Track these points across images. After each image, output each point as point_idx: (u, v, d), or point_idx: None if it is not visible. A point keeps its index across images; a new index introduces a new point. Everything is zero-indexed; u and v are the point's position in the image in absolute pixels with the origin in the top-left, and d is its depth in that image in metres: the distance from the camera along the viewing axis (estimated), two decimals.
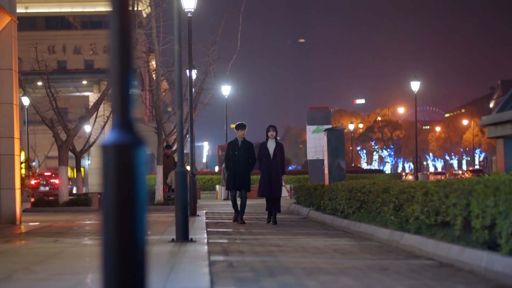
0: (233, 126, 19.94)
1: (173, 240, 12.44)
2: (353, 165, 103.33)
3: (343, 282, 7.44)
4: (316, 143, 26.12)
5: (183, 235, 12.47)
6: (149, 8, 29.39)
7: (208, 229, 16.02)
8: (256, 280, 7.58)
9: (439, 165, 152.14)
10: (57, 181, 41.91)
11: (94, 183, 70.11)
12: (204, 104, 30.20)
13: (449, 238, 9.53)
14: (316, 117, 26.54)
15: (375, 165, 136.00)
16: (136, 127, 3.59)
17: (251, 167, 18.87)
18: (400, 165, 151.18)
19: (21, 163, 21.24)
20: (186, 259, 9.52)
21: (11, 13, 18.40)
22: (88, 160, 77.28)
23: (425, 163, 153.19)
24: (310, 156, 26.92)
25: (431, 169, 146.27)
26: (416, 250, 10.54)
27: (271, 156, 18.59)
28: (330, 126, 24.25)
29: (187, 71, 22.96)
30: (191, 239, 12.47)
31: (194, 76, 31.64)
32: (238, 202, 18.72)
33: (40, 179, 52.57)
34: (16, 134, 18.42)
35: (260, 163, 18.77)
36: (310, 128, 26.61)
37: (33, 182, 47.23)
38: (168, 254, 10.13)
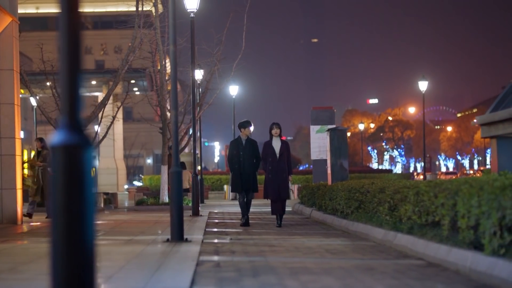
0: None
1: (168, 240, 12.48)
2: (363, 164, 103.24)
3: (324, 282, 7.43)
4: (320, 143, 26.07)
5: (178, 235, 12.50)
6: (159, 8, 29.44)
7: (207, 229, 16.03)
8: (238, 280, 7.58)
9: (451, 164, 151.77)
10: None
11: (103, 183, 70.24)
12: (209, 104, 30.22)
13: (438, 238, 9.52)
14: (320, 117, 26.48)
15: (386, 165, 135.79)
16: (84, 128, 3.61)
17: (257, 167, 17.91)
18: (412, 165, 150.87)
19: (23, 163, 21.25)
20: (175, 259, 9.55)
21: (12, 14, 18.48)
22: (98, 160, 77.48)
23: (437, 163, 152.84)
24: (314, 156, 26.87)
25: (443, 169, 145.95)
26: (407, 250, 10.52)
27: (277, 156, 17.65)
28: (334, 126, 24.21)
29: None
30: (186, 239, 12.49)
31: (200, 76, 31.71)
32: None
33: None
34: (17, 134, 18.48)
35: (265, 163, 17.75)
36: (314, 128, 26.55)
37: None
38: (159, 254, 10.15)
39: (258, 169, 18.08)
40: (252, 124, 18.27)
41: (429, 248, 9.58)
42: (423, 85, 47.57)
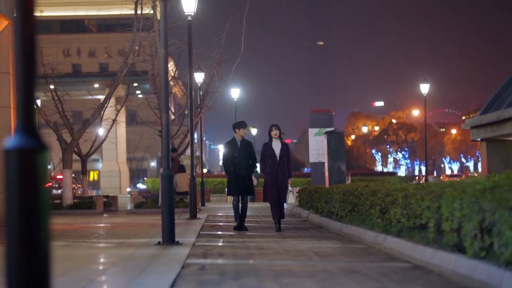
0: (251, 128, 19.23)
1: (159, 243, 12.48)
2: (366, 167, 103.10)
3: (305, 284, 7.43)
4: (318, 146, 26.10)
5: (169, 238, 12.51)
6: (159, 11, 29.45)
7: (201, 232, 16.02)
8: (218, 282, 7.58)
9: (456, 167, 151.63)
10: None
11: (106, 186, 70.38)
12: (208, 107, 30.25)
13: (425, 241, 9.53)
14: (318, 119, 26.51)
15: (390, 168, 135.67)
16: (39, 132, 3.63)
17: (252, 169, 17.52)
18: (417, 168, 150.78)
19: None
20: (162, 262, 9.56)
21: (8, 17, 18.53)
22: (101, 163, 77.63)
23: (442, 165, 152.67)
24: (312, 159, 26.90)
25: (448, 172, 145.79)
26: (396, 253, 10.52)
27: (277, 158, 17.10)
28: (331, 129, 24.21)
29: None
30: (178, 242, 12.50)
31: (200, 78, 31.74)
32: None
33: (52, 182, 52.85)
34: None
35: (264, 165, 17.25)
36: (312, 131, 26.60)
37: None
38: (147, 257, 10.16)
39: (253, 171, 17.69)
40: (247, 126, 17.95)
41: (416, 250, 9.58)
42: (424, 88, 47.59)
